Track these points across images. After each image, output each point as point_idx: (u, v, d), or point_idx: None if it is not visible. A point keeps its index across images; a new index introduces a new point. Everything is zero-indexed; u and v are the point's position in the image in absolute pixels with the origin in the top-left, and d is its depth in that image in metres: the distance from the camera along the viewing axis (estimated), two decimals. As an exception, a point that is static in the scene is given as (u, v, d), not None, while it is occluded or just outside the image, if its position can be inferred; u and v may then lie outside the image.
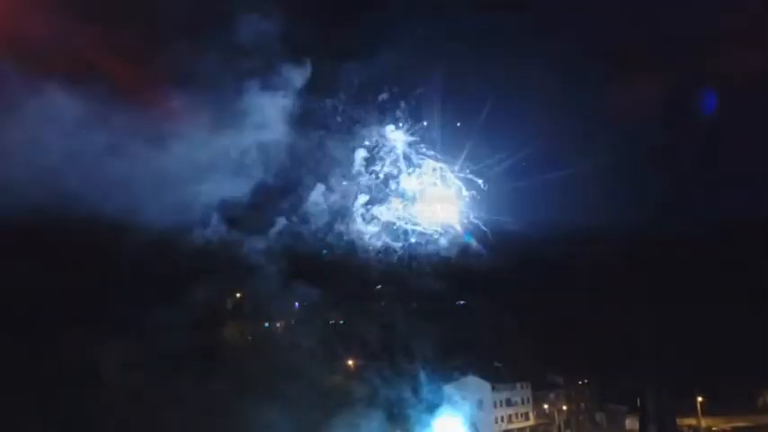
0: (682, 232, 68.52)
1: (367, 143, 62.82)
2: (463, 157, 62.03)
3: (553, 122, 62.98)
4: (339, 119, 61.47)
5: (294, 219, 62.69)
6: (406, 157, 63.17)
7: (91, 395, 54.94)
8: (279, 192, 62.04)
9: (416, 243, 65.91)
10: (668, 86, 65.12)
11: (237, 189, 58.27)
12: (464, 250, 66.11)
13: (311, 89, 60.58)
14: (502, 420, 76.84)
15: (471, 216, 66.26)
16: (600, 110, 63.57)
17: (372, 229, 63.85)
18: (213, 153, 56.05)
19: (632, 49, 63.92)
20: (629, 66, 65.01)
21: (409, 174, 62.90)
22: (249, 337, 77.60)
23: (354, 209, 63.34)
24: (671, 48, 62.60)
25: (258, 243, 62.79)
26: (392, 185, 63.85)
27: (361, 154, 63.14)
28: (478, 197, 65.49)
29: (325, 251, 62.82)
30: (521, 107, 61.62)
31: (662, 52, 63.63)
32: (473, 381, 76.66)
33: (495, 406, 76.73)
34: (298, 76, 59.88)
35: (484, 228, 65.45)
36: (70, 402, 54.89)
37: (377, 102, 62.52)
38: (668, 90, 65.46)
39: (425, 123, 62.33)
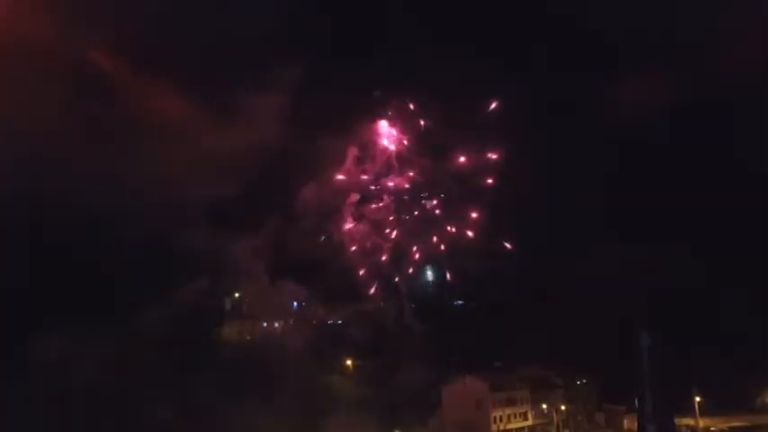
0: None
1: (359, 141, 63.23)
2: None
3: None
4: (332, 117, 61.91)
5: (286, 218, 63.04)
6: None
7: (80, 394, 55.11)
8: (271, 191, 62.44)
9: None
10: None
11: (229, 188, 58.66)
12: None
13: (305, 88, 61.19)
14: (500, 420, 76.35)
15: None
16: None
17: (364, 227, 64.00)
18: (205, 152, 56.49)
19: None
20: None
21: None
22: (248, 337, 77.91)
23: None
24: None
25: (251, 242, 63.14)
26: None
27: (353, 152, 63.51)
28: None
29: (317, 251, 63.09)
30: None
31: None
32: (472, 381, 76.36)
33: (493, 406, 76.38)
34: (292, 74, 60.36)
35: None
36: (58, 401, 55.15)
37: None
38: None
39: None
